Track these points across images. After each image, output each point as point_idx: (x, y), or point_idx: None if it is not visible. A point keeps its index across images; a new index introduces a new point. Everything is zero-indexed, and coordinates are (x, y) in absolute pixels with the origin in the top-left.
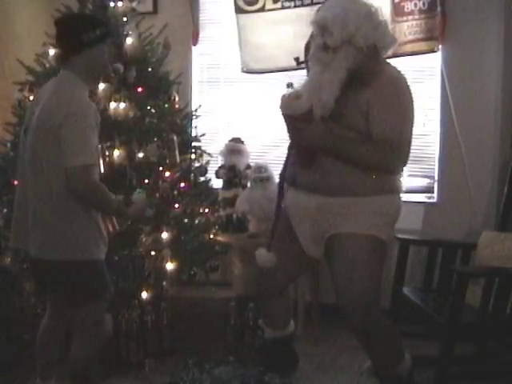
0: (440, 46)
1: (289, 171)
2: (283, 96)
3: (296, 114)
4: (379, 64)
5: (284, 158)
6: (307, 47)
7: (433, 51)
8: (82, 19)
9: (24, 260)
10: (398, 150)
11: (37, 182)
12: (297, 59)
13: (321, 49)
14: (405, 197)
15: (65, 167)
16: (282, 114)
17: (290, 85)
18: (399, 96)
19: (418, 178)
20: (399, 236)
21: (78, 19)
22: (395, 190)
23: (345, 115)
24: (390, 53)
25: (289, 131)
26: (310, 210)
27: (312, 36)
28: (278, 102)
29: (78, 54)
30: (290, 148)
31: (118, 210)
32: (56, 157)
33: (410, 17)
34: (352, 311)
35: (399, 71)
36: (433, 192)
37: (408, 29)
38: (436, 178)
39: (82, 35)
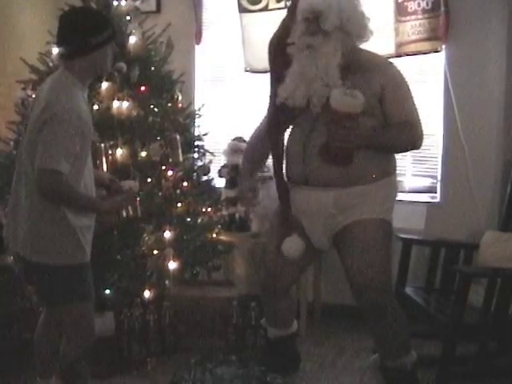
0: (443, 46)
1: (295, 171)
2: (337, 93)
3: (351, 113)
4: (366, 51)
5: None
6: (282, 34)
7: (436, 51)
8: (90, 19)
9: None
10: (419, 127)
11: (26, 182)
12: None
13: (309, 34)
14: (408, 197)
15: (36, 167)
16: (333, 111)
17: None
18: (404, 79)
19: (420, 178)
20: (402, 236)
21: (86, 19)
22: (395, 170)
23: None
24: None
25: (334, 129)
26: (327, 205)
27: (285, 23)
28: (332, 99)
29: (83, 56)
30: (285, 147)
31: (88, 208)
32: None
33: (414, 16)
34: (368, 291)
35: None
36: (436, 192)
37: (411, 28)
38: (439, 178)
39: (90, 39)
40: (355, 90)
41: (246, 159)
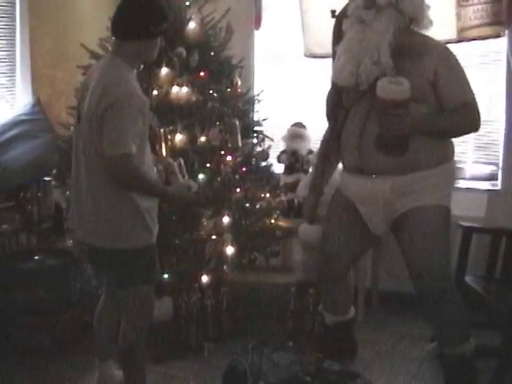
0: (506, 31)
1: (351, 160)
2: (382, 82)
3: (397, 100)
4: (421, 35)
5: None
6: (342, 11)
7: (499, 36)
8: (154, 9)
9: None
10: (476, 109)
11: (88, 170)
12: (333, 12)
13: (363, 7)
14: (468, 184)
15: (104, 156)
16: (380, 100)
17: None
18: (458, 61)
19: (481, 165)
20: (462, 224)
21: (150, 7)
22: (453, 155)
23: None
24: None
25: (383, 118)
26: (384, 192)
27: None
28: (378, 88)
29: (136, 41)
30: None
31: (160, 194)
32: (100, 145)
33: (476, 0)
34: (427, 278)
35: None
36: (497, 179)
37: (473, 13)
38: (500, 165)
39: (150, 26)
40: (400, 77)
41: (318, 157)
